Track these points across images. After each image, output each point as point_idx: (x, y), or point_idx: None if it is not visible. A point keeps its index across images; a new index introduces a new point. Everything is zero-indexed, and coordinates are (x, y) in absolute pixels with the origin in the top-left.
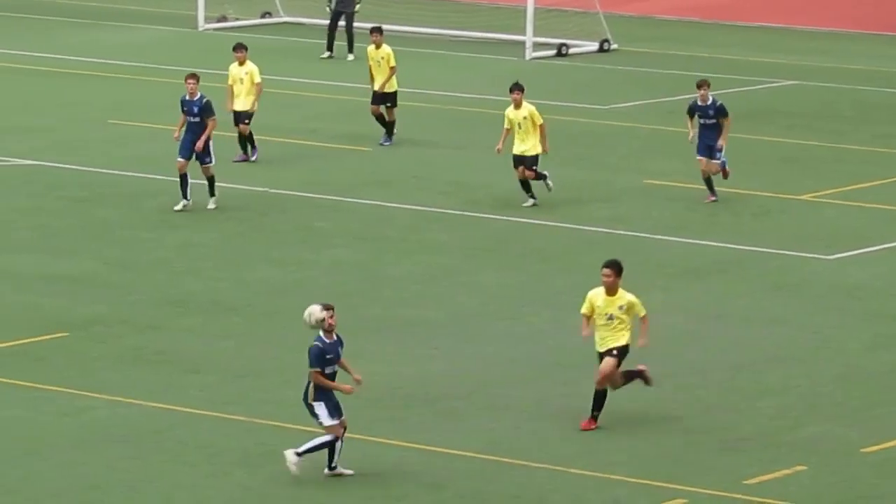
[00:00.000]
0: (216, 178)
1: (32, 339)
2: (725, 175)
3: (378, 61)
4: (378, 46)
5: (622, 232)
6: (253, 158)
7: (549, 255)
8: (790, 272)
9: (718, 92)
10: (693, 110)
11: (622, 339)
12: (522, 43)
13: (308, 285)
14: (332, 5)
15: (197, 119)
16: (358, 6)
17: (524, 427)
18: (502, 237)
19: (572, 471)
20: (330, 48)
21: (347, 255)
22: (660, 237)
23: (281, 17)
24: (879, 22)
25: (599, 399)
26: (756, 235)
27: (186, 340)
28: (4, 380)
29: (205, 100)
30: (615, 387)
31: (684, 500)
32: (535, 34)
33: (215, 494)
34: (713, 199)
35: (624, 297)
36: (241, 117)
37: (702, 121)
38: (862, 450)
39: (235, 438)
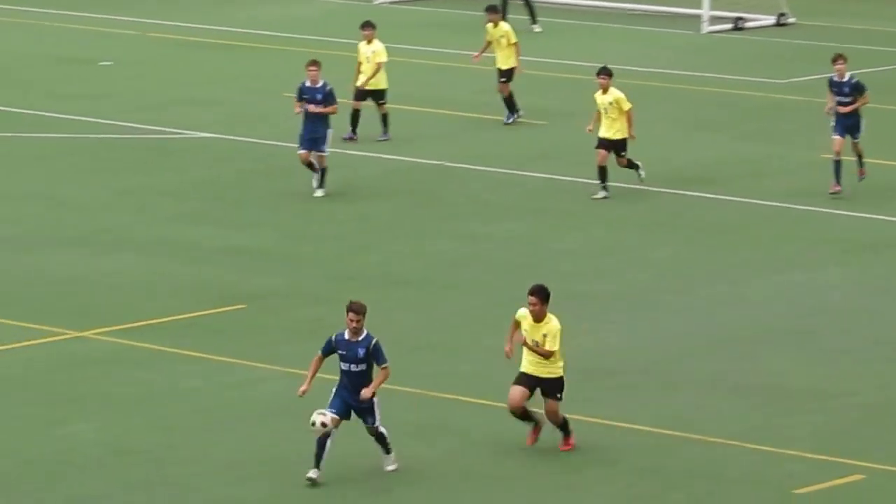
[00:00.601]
0: (328, 169)
1: (210, 311)
2: (860, 155)
3: (498, 39)
4: (496, 24)
5: (798, 206)
6: (384, 138)
7: (724, 229)
8: None
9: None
10: (831, 86)
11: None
12: (699, 17)
13: (483, 257)
14: None
15: (321, 107)
16: None
17: (700, 401)
18: (676, 211)
19: (748, 445)
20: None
21: (521, 228)
22: (836, 211)
23: None
24: None
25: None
26: None
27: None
28: (182, 351)
29: (328, 87)
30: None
31: (861, 476)
32: (712, 8)
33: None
34: (838, 189)
35: (549, 323)
36: (365, 96)
37: (837, 98)
38: None
39: (410, 411)
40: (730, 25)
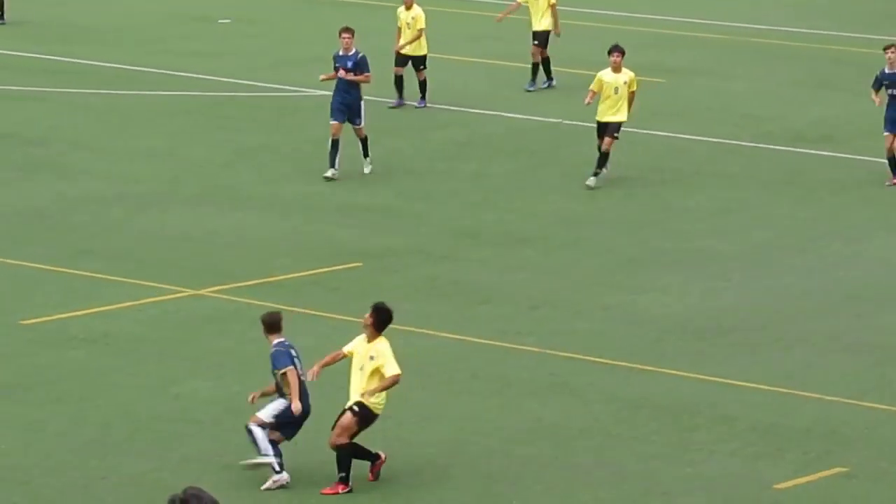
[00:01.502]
0: (369, 139)
1: (327, 269)
2: None
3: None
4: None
5: None
6: (420, 105)
7: (843, 187)
8: None
9: None
10: (881, 80)
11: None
12: None
13: (601, 216)
14: None
15: (351, 74)
16: None
17: (816, 360)
18: (795, 169)
19: (864, 404)
20: None
21: (641, 186)
22: None
23: None
24: None
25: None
26: None
27: (479, 271)
28: (300, 309)
29: (360, 55)
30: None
31: None
32: None
33: (506, 425)
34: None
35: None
36: (406, 61)
37: (891, 91)
38: None
39: (527, 370)
40: None
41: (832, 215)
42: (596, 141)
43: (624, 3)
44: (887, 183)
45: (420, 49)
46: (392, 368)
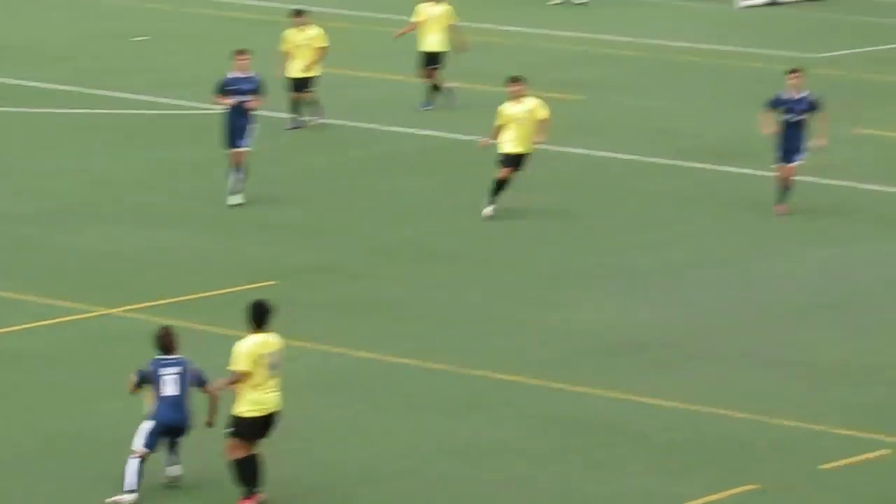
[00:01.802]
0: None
1: (241, 288)
2: (790, 182)
3: (437, 18)
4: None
5: (832, 181)
6: (318, 121)
7: (758, 203)
8: None
9: None
10: (777, 104)
11: None
12: None
13: (517, 232)
14: None
15: (247, 98)
16: None
17: (730, 376)
18: (712, 186)
19: (777, 421)
20: None
21: (558, 202)
22: (868, 186)
23: None
24: None
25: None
26: None
27: (394, 289)
28: (213, 329)
29: (258, 77)
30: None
31: (888, 451)
32: None
33: (420, 444)
34: (783, 210)
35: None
36: (300, 84)
37: (787, 117)
38: None
39: (441, 387)
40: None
41: (747, 232)
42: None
43: (541, 20)
44: (776, 212)
45: (317, 69)
46: (232, 366)
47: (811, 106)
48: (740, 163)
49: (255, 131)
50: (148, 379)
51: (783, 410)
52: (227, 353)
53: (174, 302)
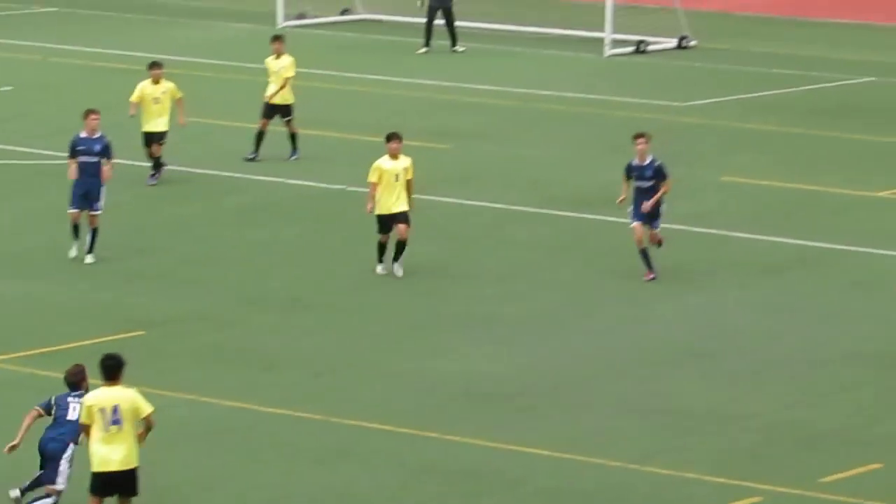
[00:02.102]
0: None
1: (111, 338)
2: (660, 242)
3: (278, 71)
4: (279, 56)
5: (699, 229)
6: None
7: (627, 252)
8: (868, 269)
9: (797, 88)
10: (629, 171)
11: None
12: (601, 40)
13: (387, 281)
14: (422, 2)
15: (95, 159)
16: None
17: (602, 424)
18: (581, 234)
19: (648, 469)
20: (428, 43)
21: (427, 252)
22: (738, 234)
23: (360, 13)
24: None
25: None
26: (833, 232)
27: (265, 338)
28: None
29: (107, 139)
30: None
31: (759, 499)
32: (614, 31)
33: (292, 493)
34: (652, 276)
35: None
36: (155, 138)
37: (638, 183)
38: None
39: (312, 437)
40: (632, 48)
41: (618, 279)
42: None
43: (408, 69)
44: (644, 278)
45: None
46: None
47: (657, 172)
48: (609, 211)
49: (103, 193)
50: (51, 408)
51: (656, 458)
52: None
53: (43, 352)
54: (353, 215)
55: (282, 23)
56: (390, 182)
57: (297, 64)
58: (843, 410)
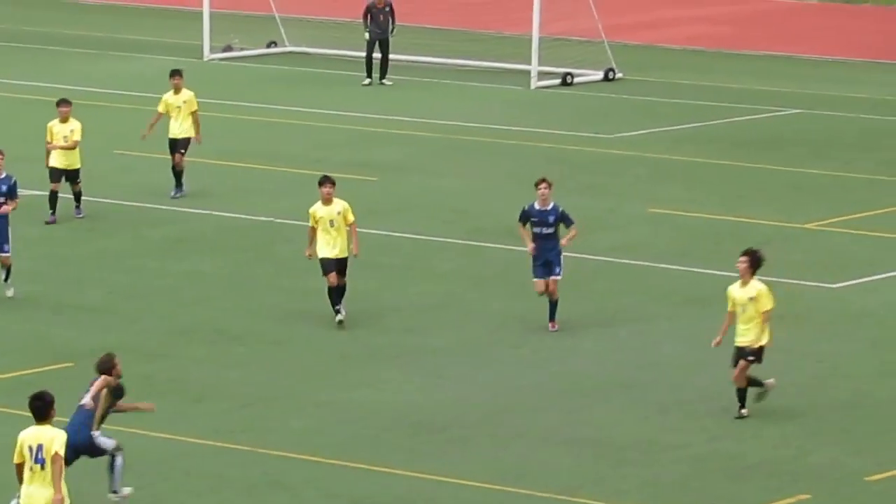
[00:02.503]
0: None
1: (37, 370)
2: (555, 301)
3: (178, 107)
4: (178, 90)
5: (627, 261)
6: (80, 216)
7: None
8: (796, 300)
9: (724, 120)
10: (528, 216)
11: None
12: (528, 72)
13: (313, 313)
14: (369, 33)
15: (1, 201)
16: (394, 31)
17: (531, 455)
18: (507, 265)
19: (577, 500)
20: (369, 74)
21: (353, 283)
22: (665, 265)
23: (286, 46)
24: (884, 50)
25: None
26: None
27: (193, 369)
28: (9, 410)
29: (13, 179)
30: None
31: None
32: (541, 63)
33: None
34: (553, 326)
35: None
36: (61, 175)
37: (538, 229)
38: (866, 478)
39: (241, 468)
40: (558, 81)
41: (544, 311)
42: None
43: (334, 101)
44: (551, 327)
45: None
46: None
47: (560, 218)
48: None
49: (10, 233)
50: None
51: (585, 489)
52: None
53: None
54: (279, 247)
55: (208, 55)
56: (325, 227)
57: (220, 95)
58: (772, 441)
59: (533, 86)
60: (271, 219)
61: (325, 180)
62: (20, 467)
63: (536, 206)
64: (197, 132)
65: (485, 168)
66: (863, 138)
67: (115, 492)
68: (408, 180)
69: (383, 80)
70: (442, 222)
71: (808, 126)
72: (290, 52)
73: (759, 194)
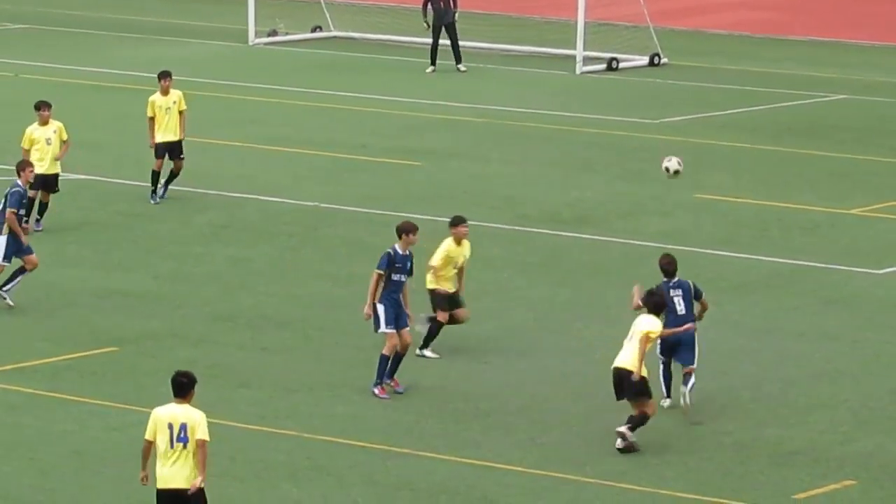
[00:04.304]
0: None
1: (83, 354)
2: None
3: (169, 107)
4: (166, 92)
5: (673, 246)
6: (38, 229)
7: (601, 269)
8: (841, 287)
9: (770, 106)
10: (389, 262)
11: None
12: (573, 57)
13: (359, 300)
14: (430, 20)
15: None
16: (457, 15)
17: (575, 442)
18: (553, 252)
19: (622, 485)
20: (433, 62)
21: None
22: (711, 251)
23: (332, 31)
24: None
25: None
26: (807, 250)
27: (238, 355)
28: (56, 394)
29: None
30: None
31: None
32: (586, 48)
33: None
34: (399, 388)
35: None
36: (47, 182)
37: (397, 276)
38: None
39: (285, 453)
40: (604, 66)
41: (589, 297)
42: None
43: (380, 86)
44: (383, 393)
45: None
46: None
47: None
48: (580, 228)
49: (3, 244)
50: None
51: (630, 476)
52: (69, 418)
53: (17, 367)
54: (324, 232)
55: (254, 40)
56: (450, 269)
57: (269, 80)
58: (818, 427)
59: (578, 71)
60: (316, 204)
61: (460, 219)
62: (150, 444)
63: (400, 251)
64: (182, 131)
65: (531, 154)
66: None
67: None
68: (454, 166)
69: (459, 66)
70: (488, 208)
71: (853, 112)
72: (335, 38)
73: (803, 180)
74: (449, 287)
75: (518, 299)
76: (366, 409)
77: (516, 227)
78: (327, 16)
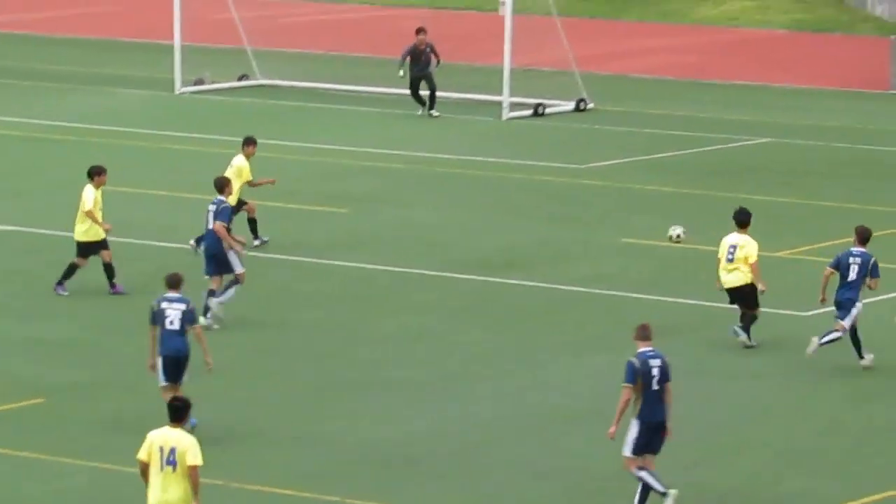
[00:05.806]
0: None
1: (9, 406)
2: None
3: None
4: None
5: (600, 291)
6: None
7: (529, 314)
8: (767, 329)
9: (695, 150)
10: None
11: None
12: (499, 103)
13: (289, 347)
14: (404, 72)
15: None
16: (439, 64)
17: (507, 487)
18: (482, 297)
19: None
20: (422, 105)
21: (327, 316)
22: (638, 295)
23: (258, 79)
24: (851, 79)
25: None
26: None
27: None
28: None
29: None
30: None
31: None
32: (512, 94)
33: None
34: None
35: None
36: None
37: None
38: None
39: (214, 502)
40: (530, 111)
41: (518, 342)
42: None
43: (304, 133)
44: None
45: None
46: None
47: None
48: (509, 273)
49: None
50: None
51: None
52: None
53: None
54: (252, 279)
55: (180, 89)
56: None
57: (195, 129)
58: (746, 469)
59: (505, 117)
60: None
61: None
62: (146, 466)
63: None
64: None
65: (458, 199)
66: (831, 166)
67: None
68: (380, 212)
69: (431, 112)
70: (415, 254)
71: (777, 155)
72: (262, 86)
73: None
74: None
75: (447, 345)
76: (295, 456)
77: (444, 273)
78: (253, 64)
